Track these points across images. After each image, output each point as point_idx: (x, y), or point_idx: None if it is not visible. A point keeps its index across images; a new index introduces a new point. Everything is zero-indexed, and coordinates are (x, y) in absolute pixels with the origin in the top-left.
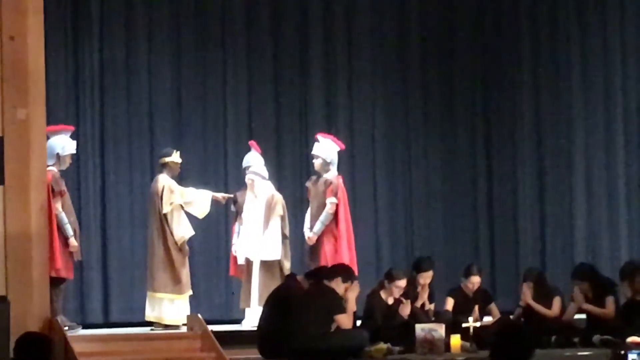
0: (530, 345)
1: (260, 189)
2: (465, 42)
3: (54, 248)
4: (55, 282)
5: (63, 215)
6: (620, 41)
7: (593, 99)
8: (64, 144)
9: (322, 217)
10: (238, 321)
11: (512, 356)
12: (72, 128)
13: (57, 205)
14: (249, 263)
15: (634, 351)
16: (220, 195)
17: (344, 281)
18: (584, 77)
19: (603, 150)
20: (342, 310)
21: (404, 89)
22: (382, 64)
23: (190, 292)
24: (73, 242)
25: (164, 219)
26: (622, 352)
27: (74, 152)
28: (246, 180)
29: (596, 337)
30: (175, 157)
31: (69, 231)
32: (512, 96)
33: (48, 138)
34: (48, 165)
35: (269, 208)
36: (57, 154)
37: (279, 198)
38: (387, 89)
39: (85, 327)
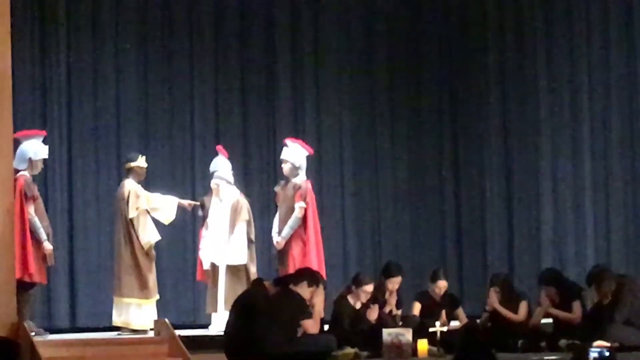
0: (493, 354)
1: (225, 194)
2: (432, 43)
3: (27, 253)
4: (25, 287)
5: (36, 220)
6: (586, 45)
7: (559, 102)
8: (36, 149)
9: (290, 222)
10: (205, 326)
11: None
12: (44, 133)
13: (30, 210)
14: (214, 268)
15: (594, 349)
16: (186, 202)
17: (310, 286)
18: (549, 78)
19: (570, 156)
20: (309, 315)
21: (371, 95)
22: (349, 68)
23: (158, 297)
24: (47, 245)
25: (130, 224)
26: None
27: (46, 156)
28: (212, 185)
29: (563, 342)
30: (141, 162)
31: (43, 235)
32: (479, 101)
33: (20, 143)
34: (20, 170)
35: (235, 213)
36: (29, 158)
37: (244, 202)
38: (354, 95)
39: (52, 332)
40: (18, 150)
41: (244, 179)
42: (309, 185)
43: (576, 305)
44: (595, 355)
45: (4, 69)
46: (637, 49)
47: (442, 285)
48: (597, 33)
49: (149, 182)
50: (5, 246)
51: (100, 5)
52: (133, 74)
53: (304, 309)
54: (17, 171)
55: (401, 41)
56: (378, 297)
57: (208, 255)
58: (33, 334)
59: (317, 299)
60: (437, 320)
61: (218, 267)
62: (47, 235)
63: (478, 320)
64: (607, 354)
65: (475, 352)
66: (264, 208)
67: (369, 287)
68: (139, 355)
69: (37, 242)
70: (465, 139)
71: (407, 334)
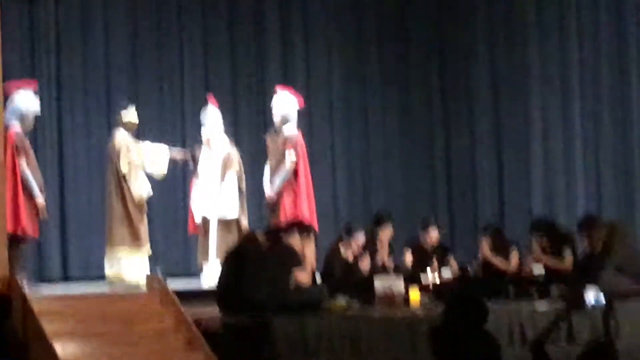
0: (484, 304)
1: (216, 144)
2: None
3: (19, 206)
4: (18, 240)
5: (28, 174)
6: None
7: (548, 47)
8: (27, 103)
9: (281, 173)
10: (196, 275)
11: (468, 321)
12: (34, 83)
13: (22, 164)
14: (206, 221)
15: (590, 295)
16: (177, 153)
17: (301, 237)
18: (539, 27)
19: (560, 103)
20: (300, 266)
21: (360, 44)
22: (338, 15)
23: (150, 252)
24: (40, 200)
25: (121, 177)
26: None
27: (38, 110)
28: (202, 135)
29: (554, 289)
30: (133, 117)
31: (36, 189)
32: (467, 52)
33: (11, 97)
34: (11, 124)
35: (225, 164)
36: (21, 113)
37: (234, 154)
38: (343, 45)
39: (44, 281)
40: (8, 105)
41: (233, 129)
42: (300, 137)
43: (567, 253)
44: (591, 300)
45: None
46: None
47: (433, 233)
48: None
49: (140, 132)
50: None
51: None
52: (122, 26)
53: (296, 260)
54: (8, 126)
55: None
56: (369, 247)
57: (199, 208)
58: (25, 288)
59: (309, 250)
60: (429, 268)
61: (209, 220)
62: (40, 189)
63: (469, 268)
64: (603, 299)
65: (465, 303)
66: (254, 158)
67: (361, 237)
68: (131, 308)
69: (30, 196)
70: (453, 90)
71: (399, 283)
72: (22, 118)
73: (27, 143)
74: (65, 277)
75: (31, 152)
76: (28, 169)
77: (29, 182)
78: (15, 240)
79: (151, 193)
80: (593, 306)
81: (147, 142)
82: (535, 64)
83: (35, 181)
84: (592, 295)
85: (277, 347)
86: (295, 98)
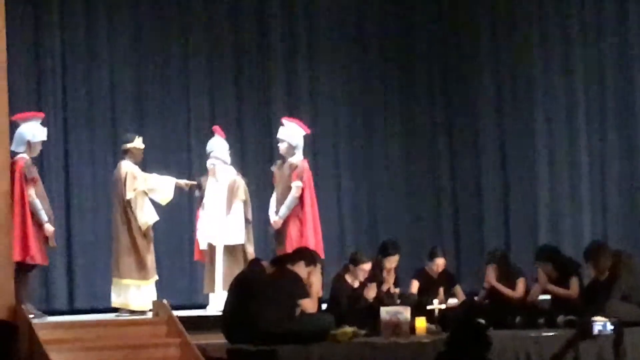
0: (486, 334)
1: (222, 174)
2: (424, 21)
3: (28, 235)
4: (25, 269)
5: (37, 202)
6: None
7: (553, 67)
8: (34, 131)
9: (287, 201)
10: (203, 306)
11: (470, 351)
12: (42, 115)
13: (31, 192)
14: (212, 248)
15: (598, 322)
16: (183, 182)
17: (307, 265)
18: (542, 41)
19: (565, 128)
20: (306, 294)
21: (364, 71)
22: (342, 47)
23: (156, 278)
24: (49, 227)
25: (127, 205)
26: (589, 324)
27: (45, 138)
28: (208, 165)
29: (560, 318)
30: (138, 143)
31: (44, 217)
32: (473, 81)
33: (18, 125)
34: (19, 153)
35: (231, 192)
36: (28, 141)
37: (241, 182)
38: (348, 73)
39: (50, 314)
40: (16, 133)
41: (239, 159)
42: (306, 164)
43: (573, 282)
44: (600, 328)
45: None
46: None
47: (439, 262)
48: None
49: (145, 164)
50: (3, 229)
51: None
52: (127, 55)
53: (302, 289)
54: (15, 154)
55: (393, 15)
56: (376, 276)
57: (205, 235)
58: (31, 316)
59: (315, 278)
60: (435, 298)
61: (215, 247)
62: (48, 217)
63: (476, 298)
64: (611, 326)
65: (469, 332)
66: (260, 188)
67: (367, 266)
68: (137, 336)
69: (38, 224)
70: (459, 115)
71: (405, 312)
72: (29, 146)
73: (35, 171)
74: (72, 309)
75: (39, 180)
76: (36, 197)
77: (37, 210)
78: (23, 269)
79: (157, 219)
80: (600, 334)
81: (154, 174)
82: (541, 96)
83: (43, 209)
84: (600, 324)
85: None
86: (301, 129)
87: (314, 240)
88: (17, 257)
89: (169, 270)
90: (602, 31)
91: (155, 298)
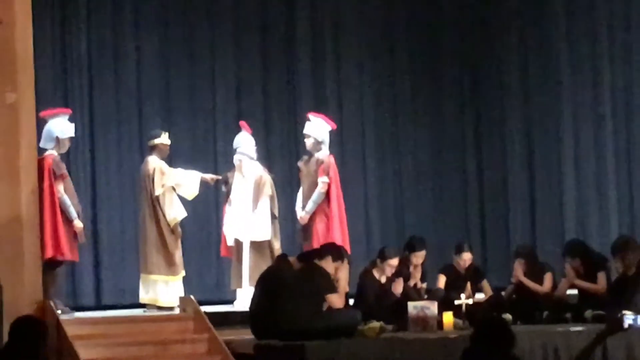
0: (512, 336)
1: (248, 170)
2: (452, 19)
3: (58, 231)
4: (53, 265)
5: (66, 198)
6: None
7: (580, 71)
8: (62, 127)
9: (314, 197)
10: (230, 302)
11: (494, 346)
12: (69, 111)
13: (60, 189)
14: (238, 244)
15: (629, 316)
16: (209, 177)
17: (334, 260)
18: (570, 47)
19: (591, 123)
20: (334, 289)
21: (392, 67)
22: (369, 42)
23: (184, 273)
24: (78, 223)
25: (155, 201)
26: (619, 315)
27: (73, 135)
28: (234, 161)
29: (588, 313)
30: (165, 139)
31: (73, 213)
32: (500, 74)
33: (46, 122)
34: (47, 149)
35: (258, 188)
36: (56, 137)
37: (267, 178)
38: (375, 68)
39: (77, 310)
40: (45, 130)
41: (266, 155)
42: (332, 160)
43: (601, 276)
44: (631, 322)
45: (26, 50)
46: None
47: (466, 257)
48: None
49: (172, 159)
50: (30, 226)
51: None
52: (153, 51)
53: (329, 284)
54: (44, 150)
55: (420, 12)
56: (403, 271)
57: (232, 231)
58: (59, 312)
59: (342, 274)
60: (462, 292)
61: (242, 243)
62: (77, 213)
63: (503, 293)
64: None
65: (493, 328)
66: (286, 183)
67: (394, 261)
68: (164, 332)
69: (68, 220)
70: (486, 111)
71: (433, 307)
72: (57, 142)
73: (63, 167)
74: (99, 305)
75: (68, 177)
76: (65, 194)
77: (67, 207)
78: (52, 265)
79: (185, 214)
80: (630, 328)
81: (179, 169)
82: (567, 89)
83: (72, 205)
84: (631, 317)
85: None
86: (328, 124)
87: (340, 235)
88: (48, 253)
89: (196, 266)
90: (630, 24)
91: (182, 294)
